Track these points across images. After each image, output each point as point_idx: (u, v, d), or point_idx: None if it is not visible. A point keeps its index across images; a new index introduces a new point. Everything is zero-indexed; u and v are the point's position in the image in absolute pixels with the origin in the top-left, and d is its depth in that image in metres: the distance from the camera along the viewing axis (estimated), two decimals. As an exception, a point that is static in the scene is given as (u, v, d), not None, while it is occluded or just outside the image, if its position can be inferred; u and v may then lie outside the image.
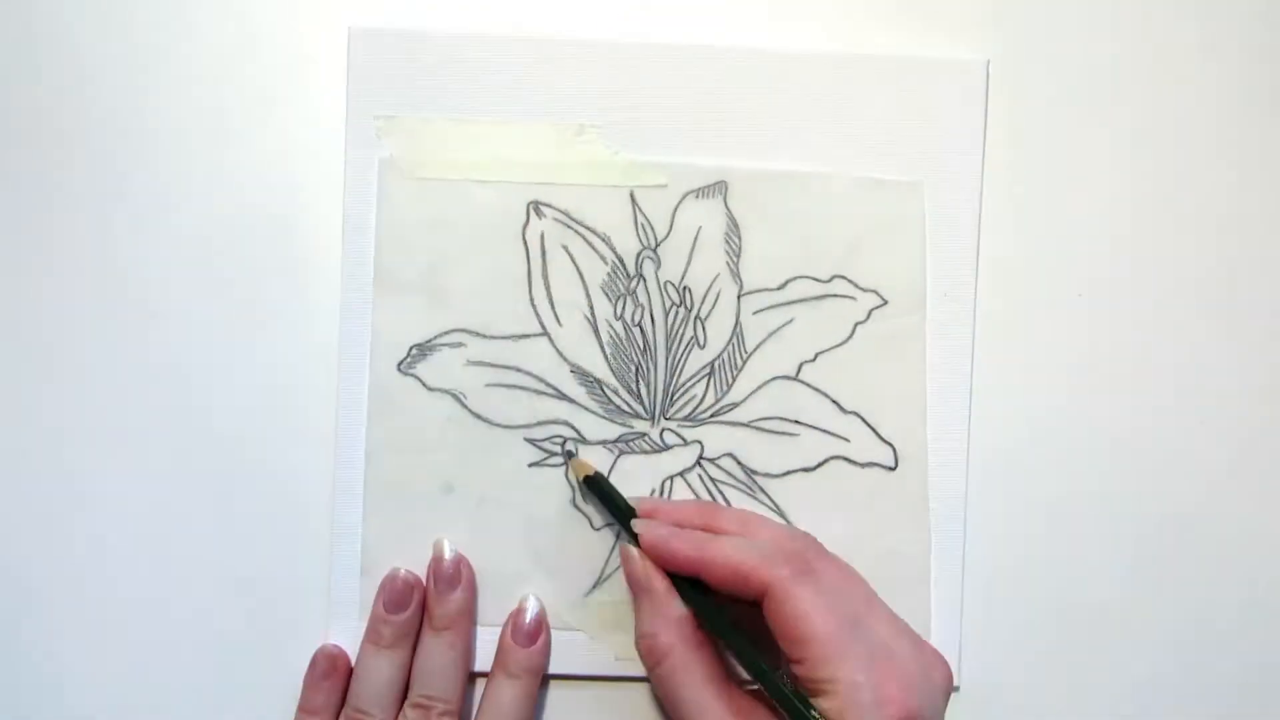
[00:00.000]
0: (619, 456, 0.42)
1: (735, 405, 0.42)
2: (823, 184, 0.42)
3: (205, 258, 0.42)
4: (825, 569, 0.37)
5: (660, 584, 0.38)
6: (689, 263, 0.42)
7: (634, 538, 0.39)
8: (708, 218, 0.42)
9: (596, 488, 0.41)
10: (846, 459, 0.42)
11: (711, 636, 0.38)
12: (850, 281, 0.42)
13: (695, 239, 0.42)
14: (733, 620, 0.37)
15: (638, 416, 0.42)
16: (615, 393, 0.42)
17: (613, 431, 0.42)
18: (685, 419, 0.42)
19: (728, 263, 0.42)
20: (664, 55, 0.42)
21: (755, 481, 0.42)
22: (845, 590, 0.37)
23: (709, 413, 0.42)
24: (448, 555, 0.41)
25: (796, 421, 0.42)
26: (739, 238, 0.42)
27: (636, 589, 0.39)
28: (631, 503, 0.40)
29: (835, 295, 0.42)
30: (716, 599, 0.38)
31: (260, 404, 0.42)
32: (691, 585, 0.38)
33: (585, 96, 0.42)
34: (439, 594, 0.40)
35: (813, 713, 0.34)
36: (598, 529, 0.42)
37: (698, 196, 0.42)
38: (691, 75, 0.42)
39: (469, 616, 0.41)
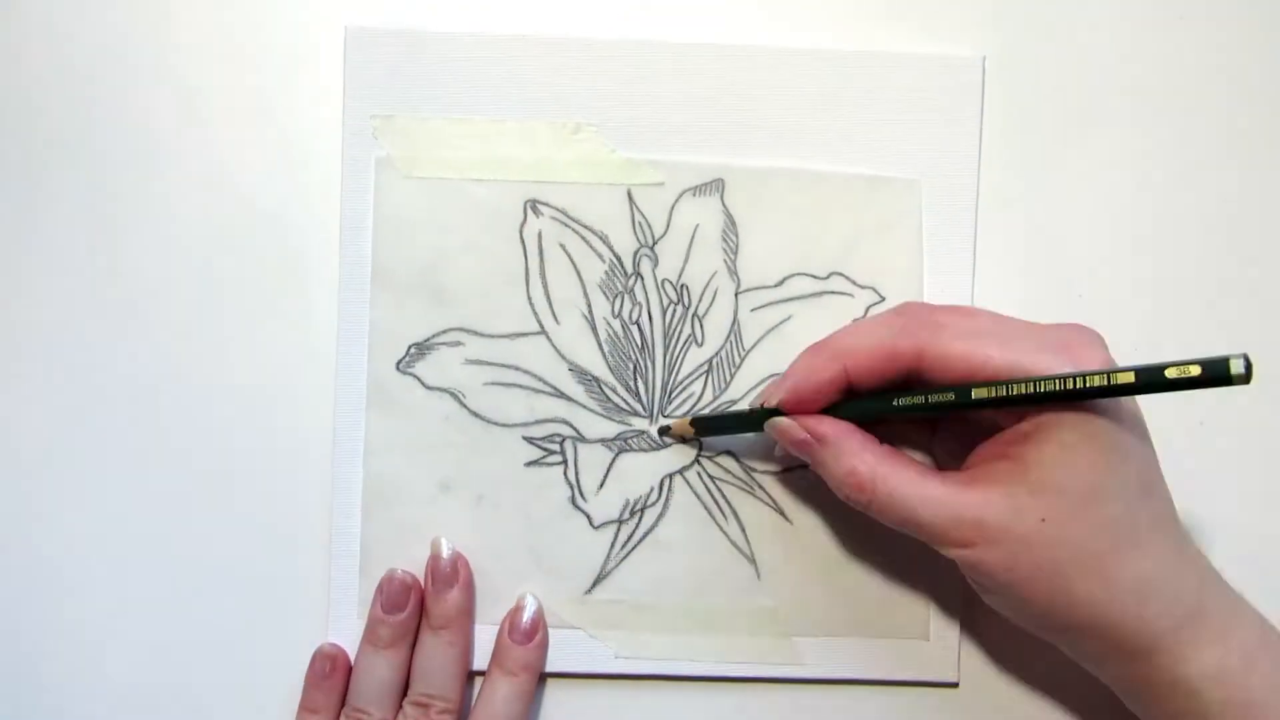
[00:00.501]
0: (618, 454, 0.42)
1: (733, 402, 0.42)
2: (820, 181, 0.42)
3: (202, 257, 0.42)
4: (948, 318, 0.36)
5: (827, 425, 0.37)
6: (686, 260, 0.42)
7: (768, 404, 0.38)
8: (705, 216, 0.42)
9: (709, 424, 0.41)
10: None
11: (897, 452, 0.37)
12: (848, 278, 0.42)
13: (692, 237, 0.42)
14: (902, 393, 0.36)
15: (636, 414, 0.42)
16: (613, 391, 0.42)
17: (611, 430, 0.42)
18: (684, 416, 0.42)
19: (725, 260, 0.42)
20: (661, 53, 0.42)
21: (754, 479, 0.42)
22: (976, 324, 0.36)
23: (707, 410, 0.42)
24: (445, 554, 0.41)
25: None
26: (736, 235, 0.42)
27: (807, 447, 0.37)
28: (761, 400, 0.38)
29: (833, 292, 0.42)
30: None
31: (258, 403, 0.42)
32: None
33: (582, 95, 0.42)
34: (436, 593, 0.40)
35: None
36: (597, 527, 0.42)
37: (695, 194, 0.42)
38: (688, 73, 0.42)
39: (467, 615, 0.41)
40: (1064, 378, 0.33)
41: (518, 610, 0.41)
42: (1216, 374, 0.31)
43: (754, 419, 0.39)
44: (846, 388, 0.37)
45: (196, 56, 0.42)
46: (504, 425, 0.42)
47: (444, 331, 0.42)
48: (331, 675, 0.40)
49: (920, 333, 0.35)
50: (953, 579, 0.42)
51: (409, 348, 0.42)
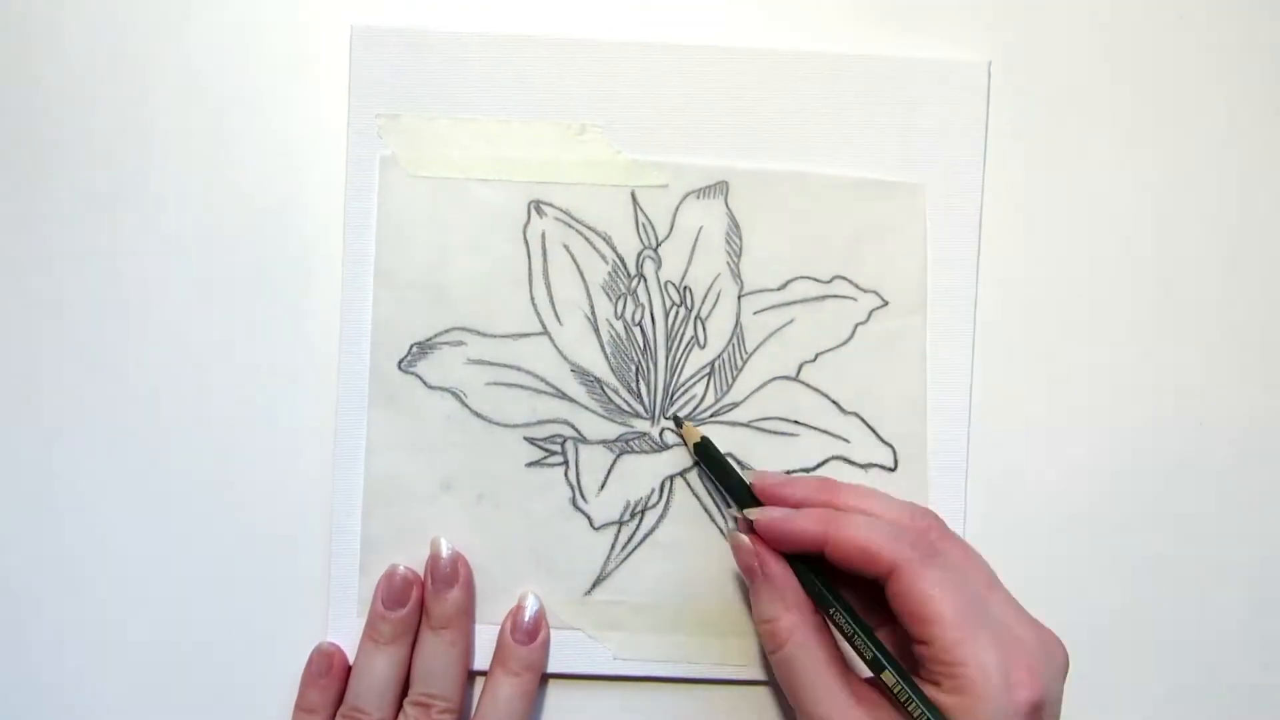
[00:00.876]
0: (619, 456, 0.42)
1: (735, 405, 0.42)
2: (824, 185, 0.42)
3: (205, 255, 0.42)
4: (950, 549, 0.37)
5: (777, 568, 0.37)
6: (689, 263, 0.42)
7: (743, 516, 0.38)
8: (709, 218, 0.42)
9: (707, 455, 0.41)
10: (846, 459, 0.42)
11: (825, 624, 0.37)
12: (851, 282, 0.42)
13: (696, 239, 0.42)
14: (847, 606, 0.37)
15: (638, 416, 0.42)
16: (615, 392, 0.42)
17: (613, 431, 0.42)
18: (685, 418, 0.42)
19: (728, 263, 0.42)
20: (666, 55, 0.42)
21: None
22: (969, 571, 0.36)
23: (709, 412, 0.42)
24: (445, 554, 0.41)
25: (796, 422, 0.42)
26: (740, 238, 0.42)
27: (752, 576, 0.38)
28: (746, 477, 0.39)
29: (836, 296, 0.42)
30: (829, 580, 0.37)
31: (260, 401, 0.42)
32: (803, 569, 0.37)
33: (587, 96, 0.42)
34: (436, 593, 0.40)
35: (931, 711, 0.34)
36: (597, 529, 0.42)
37: (699, 197, 0.42)
38: (694, 75, 0.42)
39: (468, 615, 0.41)
40: None
41: (519, 609, 0.41)
42: None
43: (737, 497, 0.39)
44: (820, 552, 0.37)
45: (202, 55, 0.42)
46: (505, 425, 0.42)
47: (446, 331, 0.42)
48: (328, 674, 0.40)
49: (911, 551, 0.35)
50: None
51: (411, 347, 0.42)
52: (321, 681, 0.40)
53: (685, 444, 0.42)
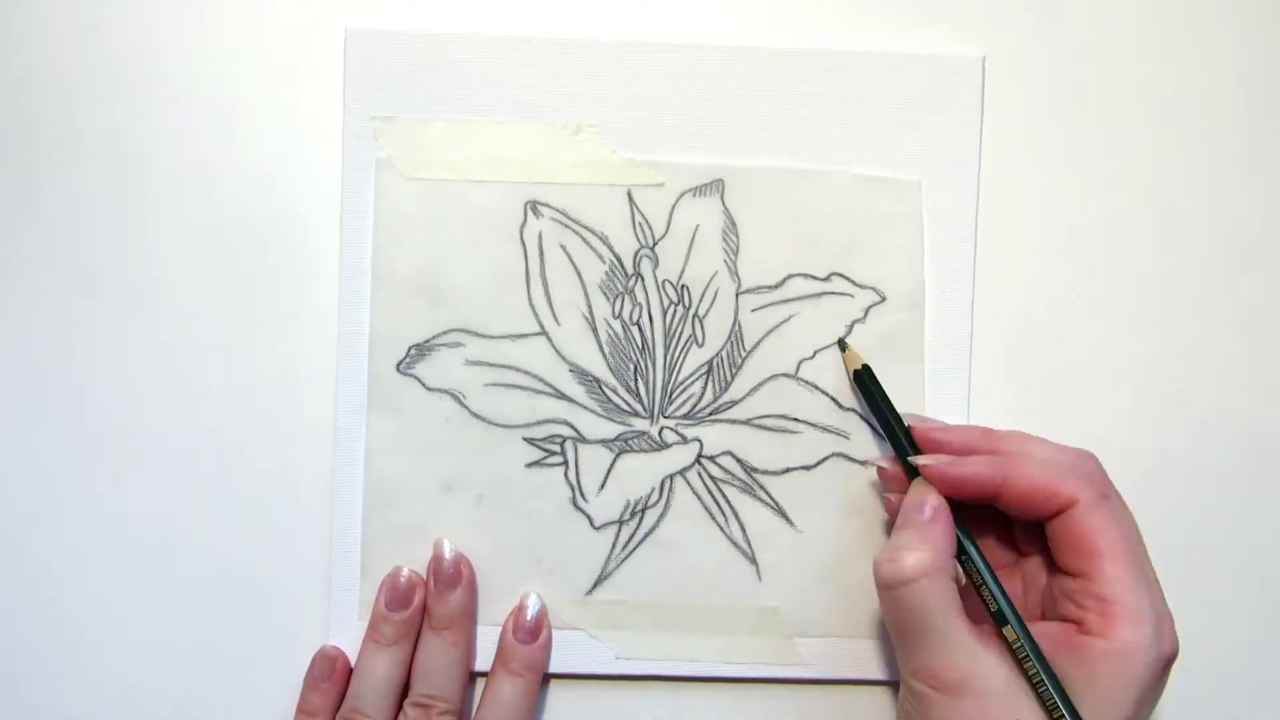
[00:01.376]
0: (618, 455, 0.42)
1: (734, 403, 0.42)
2: (820, 181, 0.42)
3: (202, 258, 0.42)
4: (1115, 494, 0.37)
5: (946, 517, 0.37)
6: (686, 261, 0.42)
7: (904, 459, 0.39)
8: (705, 216, 0.42)
9: (865, 385, 0.41)
10: (846, 456, 0.42)
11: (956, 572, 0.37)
12: (848, 279, 0.42)
13: (693, 237, 0.42)
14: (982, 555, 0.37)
15: (637, 415, 0.42)
16: (614, 391, 0.42)
17: (612, 430, 0.42)
18: (684, 417, 0.42)
19: (725, 261, 0.42)
20: (661, 54, 0.42)
21: (755, 479, 0.42)
22: (1131, 519, 0.37)
23: (708, 411, 0.42)
24: (447, 555, 0.41)
25: (796, 419, 0.42)
26: (736, 236, 0.42)
27: (914, 518, 0.37)
28: (905, 419, 0.40)
29: (833, 293, 0.42)
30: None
31: (259, 404, 0.42)
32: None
33: (582, 96, 0.42)
34: (439, 594, 0.40)
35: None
36: (598, 528, 0.42)
37: (695, 195, 0.42)
38: (688, 74, 0.42)
39: (470, 616, 0.41)
40: None
41: (521, 609, 0.41)
42: None
43: (890, 426, 0.39)
44: (992, 498, 0.37)
45: (196, 60, 0.42)
46: (505, 426, 0.42)
47: (444, 333, 0.42)
48: (330, 678, 0.40)
49: (1088, 491, 0.36)
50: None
51: (409, 349, 0.42)
52: (324, 685, 0.40)
53: (845, 370, 0.41)
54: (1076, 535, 0.36)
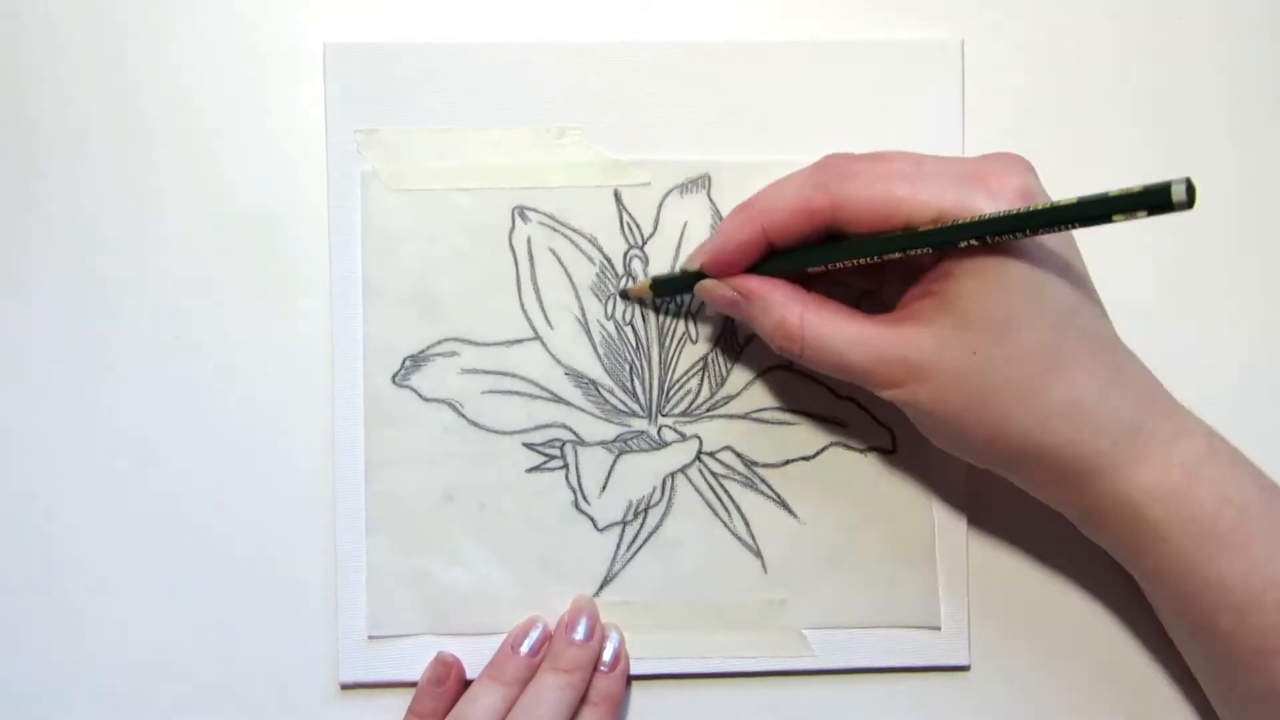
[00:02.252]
0: (619, 456, 0.42)
1: (731, 398, 0.42)
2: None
3: (192, 276, 0.42)
4: (864, 162, 0.37)
5: (753, 281, 0.38)
6: (676, 258, 0.42)
7: (692, 268, 0.39)
8: (693, 213, 0.42)
9: (663, 287, 0.41)
10: (845, 445, 0.42)
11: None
12: (839, 268, 0.42)
13: (682, 235, 0.42)
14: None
15: (635, 415, 0.42)
16: (611, 393, 0.42)
17: (611, 431, 0.42)
18: (682, 415, 0.42)
19: (715, 256, 0.42)
20: (640, 53, 0.42)
21: (756, 473, 0.42)
22: (890, 164, 0.36)
23: (705, 407, 0.42)
24: (586, 616, 0.41)
25: (793, 410, 0.42)
26: (725, 230, 0.42)
27: (734, 307, 0.38)
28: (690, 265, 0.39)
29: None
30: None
31: (255, 422, 0.42)
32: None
33: (565, 99, 0.42)
34: (570, 641, 0.40)
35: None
36: (601, 530, 0.42)
37: (681, 193, 0.42)
38: (668, 71, 0.42)
39: (591, 669, 0.40)
40: (957, 228, 0.34)
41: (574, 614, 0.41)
42: (1157, 200, 0.31)
43: (687, 281, 0.39)
44: (768, 247, 0.37)
45: (178, 78, 0.42)
46: (503, 433, 0.42)
47: (438, 342, 0.42)
48: (444, 683, 0.40)
49: (833, 184, 0.36)
50: (961, 561, 0.42)
51: (404, 360, 0.42)
52: (438, 689, 0.40)
53: (643, 304, 0.42)
54: (954, 284, 0.35)
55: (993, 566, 0.42)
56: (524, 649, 0.40)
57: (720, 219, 0.42)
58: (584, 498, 0.42)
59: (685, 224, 0.42)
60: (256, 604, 0.42)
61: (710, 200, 0.42)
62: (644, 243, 0.42)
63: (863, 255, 0.36)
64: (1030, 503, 0.40)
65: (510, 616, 0.41)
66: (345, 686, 0.42)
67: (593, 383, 0.42)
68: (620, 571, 0.42)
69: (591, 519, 0.42)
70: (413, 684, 0.41)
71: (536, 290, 0.42)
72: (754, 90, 0.42)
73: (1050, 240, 0.35)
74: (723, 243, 0.38)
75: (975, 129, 0.42)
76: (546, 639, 0.41)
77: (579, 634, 0.40)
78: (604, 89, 0.42)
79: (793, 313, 0.37)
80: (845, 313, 0.37)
